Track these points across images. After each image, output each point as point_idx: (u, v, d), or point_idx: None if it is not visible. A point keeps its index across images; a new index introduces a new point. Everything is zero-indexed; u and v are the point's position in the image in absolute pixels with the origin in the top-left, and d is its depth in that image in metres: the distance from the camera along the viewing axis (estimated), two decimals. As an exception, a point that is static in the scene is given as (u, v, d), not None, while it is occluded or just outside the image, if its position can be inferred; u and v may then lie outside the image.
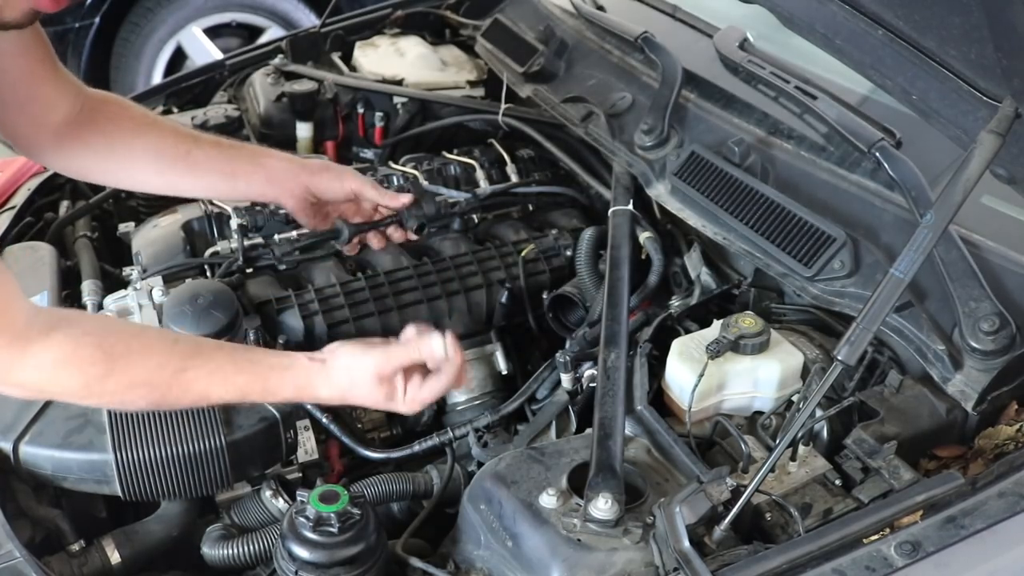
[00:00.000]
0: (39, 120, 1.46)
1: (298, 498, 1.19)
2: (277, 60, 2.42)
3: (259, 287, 1.71)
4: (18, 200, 1.97)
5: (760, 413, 1.41)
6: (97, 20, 3.88)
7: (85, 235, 1.90)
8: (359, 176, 1.53)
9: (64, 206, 2.01)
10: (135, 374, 1.20)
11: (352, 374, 1.30)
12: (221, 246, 1.82)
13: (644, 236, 1.70)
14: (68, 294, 1.72)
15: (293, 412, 1.47)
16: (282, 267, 1.81)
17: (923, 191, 1.38)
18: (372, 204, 1.59)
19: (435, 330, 1.34)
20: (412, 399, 1.33)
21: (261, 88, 2.33)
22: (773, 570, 1.05)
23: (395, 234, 1.70)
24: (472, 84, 2.41)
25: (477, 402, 1.75)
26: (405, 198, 1.57)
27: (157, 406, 1.28)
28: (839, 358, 1.13)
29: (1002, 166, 1.31)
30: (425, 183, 1.99)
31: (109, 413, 1.37)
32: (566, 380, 1.52)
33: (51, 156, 1.54)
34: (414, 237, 1.68)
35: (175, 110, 2.38)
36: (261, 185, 1.52)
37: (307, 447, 1.58)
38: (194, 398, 1.25)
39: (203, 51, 4.12)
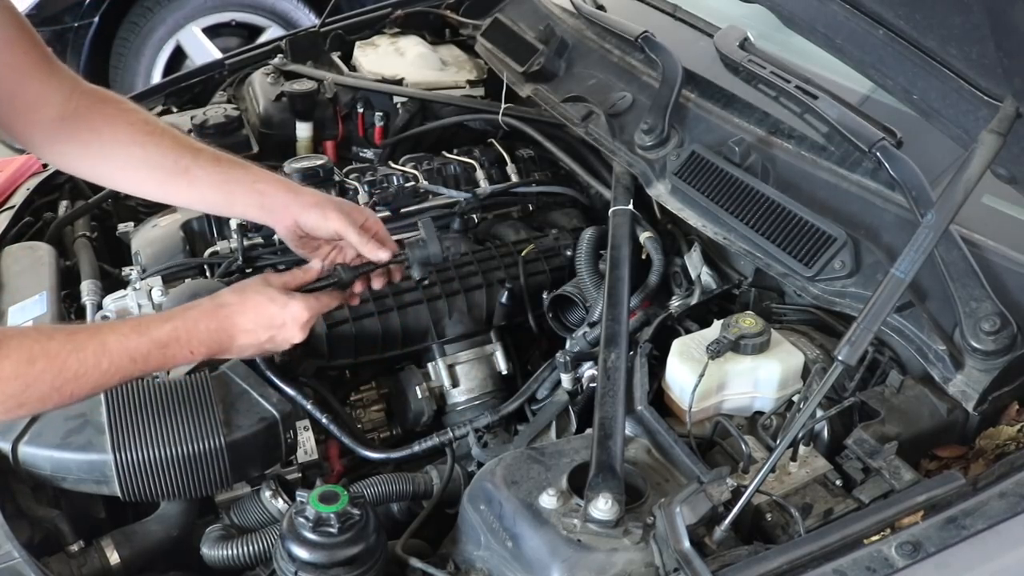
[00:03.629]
0: (29, 115, 1.43)
1: (298, 498, 1.19)
2: (277, 60, 2.42)
3: (259, 287, 1.71)
4: (17, 200, 1.97)
5: (760, 413, 1.41)
6: (96, 20, 3.88)
7: (84, 235, 1.90)
8: (345, 219, 1.49)
9: (63, 206, 2.01)
10: (29, 345, 1.17)
11: (243, 285, 1.38)
12: (221, 246, 1.82)
13: (644, 236, 1.70)
14: (67, 294, 1.72)
15: (293, 412, 1.47)
16: (281, 267, 1.81)
17: (924, 191, 1.37)
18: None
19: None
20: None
21: (261, 88, 2.32)
22: (774, 570, 1.05)
23: (396, 274, 1.60)
24: (472, 84, 2.41)
25: (477, 402, 1.75)
26: (384, 254, 1.50)
27: (58, 377, 1.18)
28: (840, 358, 1.13)
29: (1003, 166, 1.31)
30: (425, 183, 1.99)
31: (108, 413, 1.36)
32: (566, 380, 1.52)
33: (46, 152, 1.51)
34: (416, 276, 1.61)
35: (174, 110, 2.38)
36: (255, 210, 1.52)
37: (307, 447, 1.58)
38: (94, 348, 1.21)
39: (202, 50, 4.12)
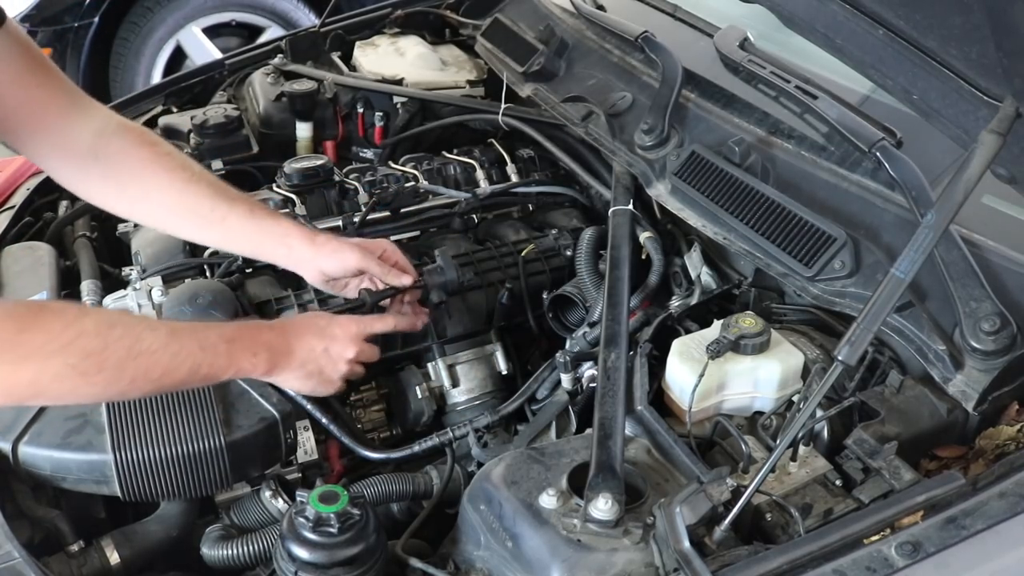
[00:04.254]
0: (58, 152, 1.46)
1: (298, 498, 1.19)
2: (277, 60, 2.42)
3: (259, 287, 1.71)
4: (17, 200, 1.97)
5: (760, 413, 1.41)
6: (96, 20, 3.88)
7: (84, 235, 1.90)
8: (363, 256, 1.57)
9: (63, 206, 2.01)
10: (108, 314, 1.23)
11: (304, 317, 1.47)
12: (221, 246, 1.81)
13: (644, 236, 1.70)
14: (67, 294, 1.72)
15: (293, 412, 1.47)
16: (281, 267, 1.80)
17: (924, 191, 1.37)
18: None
19: None
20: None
21: (261, 88, 2.32)
22: (773, 570, 1.05)
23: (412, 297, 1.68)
24: (472, 84, 2.41)
25: (477, 402, 1.75)
26: (406, 279, 1.61)
27: (134, 347, 1.20)
28: (840, 358, 1.13)
29: (1003, 166, 1.31)
30: (425, 183, 1.99)
31: (108, 413, 1.37)
32: (566, 380, 1.52)
33: (80, 188, 1.54)
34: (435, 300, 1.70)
35: (174, 110, 2.37)
36: (283, 261, 1.60)
37: (307, 447, 1.58)
38: (166, 330, 1.26)
39: (202, 51, 4.13)
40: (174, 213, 1.53)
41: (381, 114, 2.30)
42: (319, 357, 1.40)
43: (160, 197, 1.51)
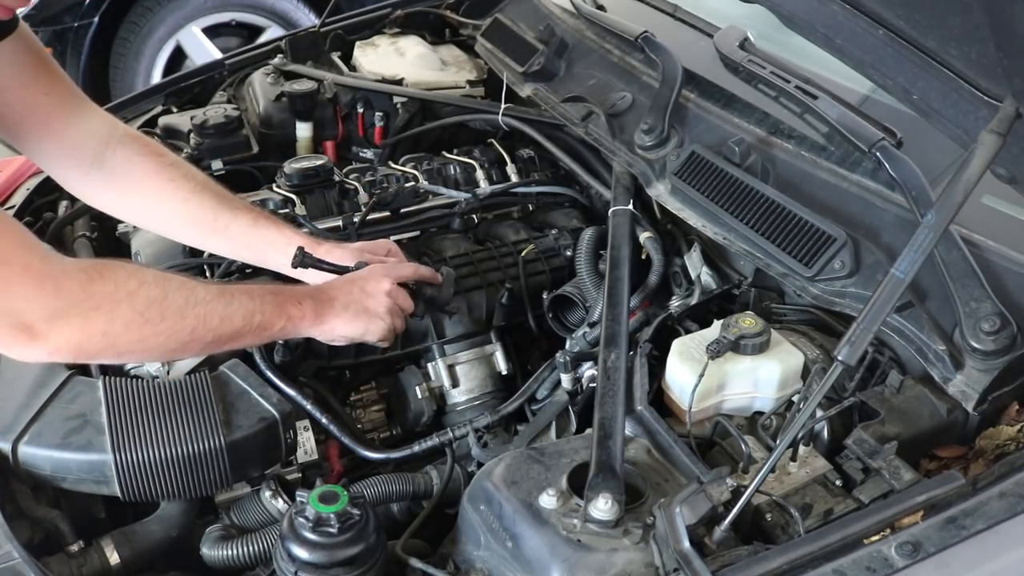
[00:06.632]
0: (63, 161, 1.49)
1: (298, 499, 1.19)
2: (277, 60, 2.42)
3: (258, 287, 1.71)
4: (17, 200, 1.97)
5: (760, 413, 1.41)
6: (96, 20, 3.88)
7: (84, 235, 1.90)
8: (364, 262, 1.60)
9: (63, 206, 2.01)
10: (163, 272, 1.32)
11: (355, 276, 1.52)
12: (221, 246, 1.81)
13: (644, 236, 1.70)
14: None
15: (293, 412, 1.47)
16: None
17: (924, 191, 1.37)
18: None
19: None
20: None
21: (260, 88, 2.32)
22: (773, 570, 1.05)
23: None
24: (472, 84, 2.41)
25: (477, 402, 1.75)
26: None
27: (190, 297, 1.28)
28: (839, 358, 1.13)
29: (1003, 166, 1.31)
30: (425, 183, 1.99)
31: (108, 413, 1.37)
32: (566, 380, 1.52)
33: (86, 194, 1.57)
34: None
35: (174, 110, 2.37)
36: (285, 269, 1.62)
37: (307, 447, 1.58)
38: (217, 287, 1.35)
39: (202, 51, 4.13)
40: (177, 222, 1.56)
41: (381, 114, 2.30)
42: (358, 297, 1.47)
43: (163, 207, 1.53)
